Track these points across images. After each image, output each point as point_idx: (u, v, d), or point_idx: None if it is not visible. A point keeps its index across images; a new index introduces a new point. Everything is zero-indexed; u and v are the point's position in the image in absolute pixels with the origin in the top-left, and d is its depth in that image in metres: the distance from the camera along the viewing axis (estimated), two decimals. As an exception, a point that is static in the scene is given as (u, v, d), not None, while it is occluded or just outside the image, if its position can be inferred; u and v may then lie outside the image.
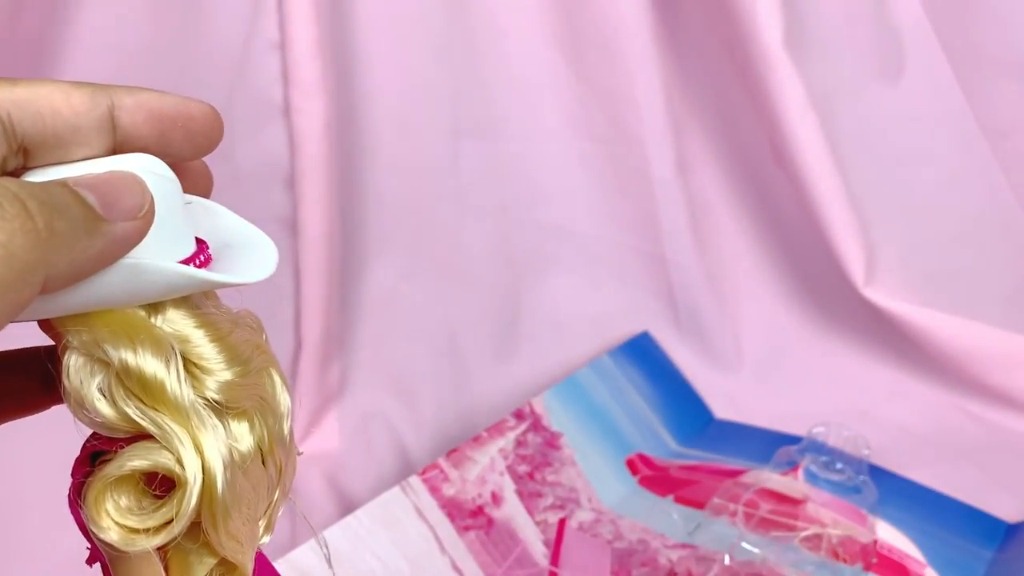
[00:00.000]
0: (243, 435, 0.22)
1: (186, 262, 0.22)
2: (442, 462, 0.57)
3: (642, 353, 0.77)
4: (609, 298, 0.79)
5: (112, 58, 0.61)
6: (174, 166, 0.23)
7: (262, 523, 0.23)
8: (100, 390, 0.21)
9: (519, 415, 0.63)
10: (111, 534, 0.21)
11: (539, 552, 0.57)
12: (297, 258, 0.69)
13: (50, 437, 0.60)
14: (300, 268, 0.69)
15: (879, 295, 0.72)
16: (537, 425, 0.64)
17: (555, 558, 0.57)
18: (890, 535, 0.60)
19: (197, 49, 0.64)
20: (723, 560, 0.57)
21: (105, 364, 0.21)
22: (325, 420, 0.69)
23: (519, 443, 0.62)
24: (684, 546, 0.59)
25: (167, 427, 0.21)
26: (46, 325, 0.22)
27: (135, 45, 0.62)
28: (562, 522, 0.60)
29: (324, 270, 0.69)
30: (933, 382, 0.75)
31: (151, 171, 0.22)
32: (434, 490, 0.55)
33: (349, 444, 0.68)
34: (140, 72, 0.62)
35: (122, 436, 0.21)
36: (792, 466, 0.64)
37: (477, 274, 0.76)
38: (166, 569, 0.22)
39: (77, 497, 0.21)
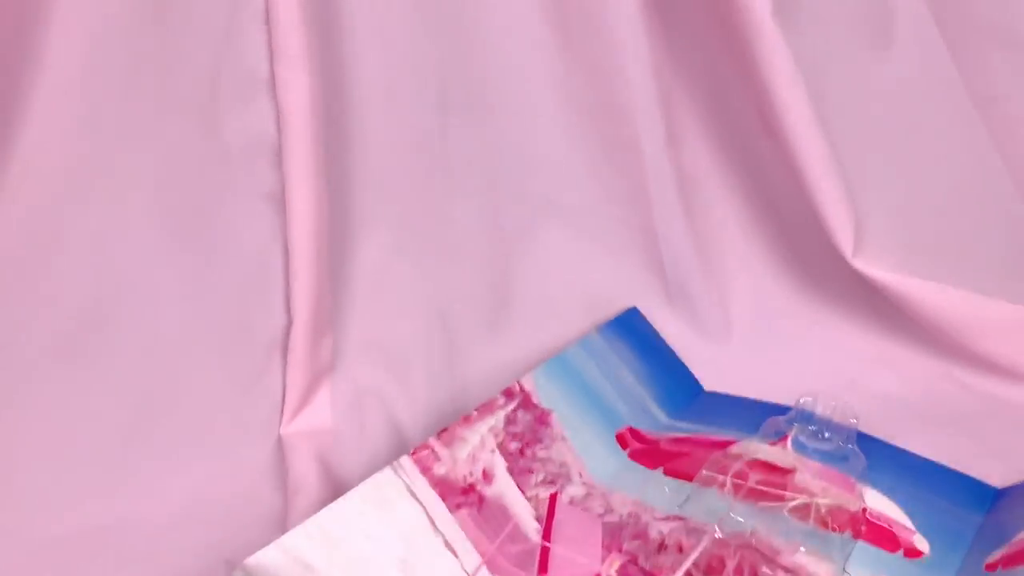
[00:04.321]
0: None
1: None
2: (433, 442, 0.57)
3: (631, 329, 0.77)
4: (599, 270, 0.79)
5: (94, 30, 0.60)
6: None
7: None
8: None
9: (508, 393, 0.64)
10: None
11: (531, 528, 0.58)
12: (286, 234, 0.68)
13: (52, 417, 0.60)
14: (289, 244, 0.69)
15: (868, 265, 0.72)
16: (527, 403, 0.64)
17: (547, 533, 0.58)
18: (879, 503, 0.60)
19: (181, 22, 0.63)
20: (713, 531, 0.57)
21: None
22: (317, 397, 0.70)
23: (509, 421, 0.62)
24: (674, 518, 0.59)
25: None
26: None
27: (117, 17, 0.61)
28: (553, 497, 0.60)
29: (313, 246, 0.69)
30: (922, 351, 0.75)
31: None
32: (425, 470, 0.56)
33: (342, 421, 0.68)
34: (123, 45, 0.61)
35: None
36: (780, 436, 0.65)
37: (467, 249, 0.76)
38: None
39: None
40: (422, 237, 0.75)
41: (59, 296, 0.61)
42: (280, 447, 0.67)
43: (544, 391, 0.66)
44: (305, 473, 0.63)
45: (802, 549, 0.56)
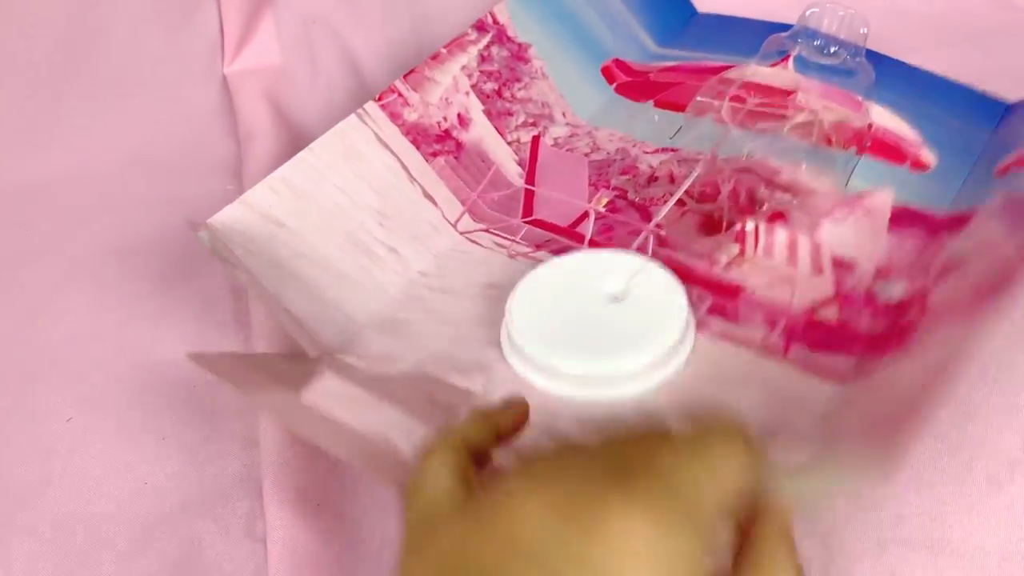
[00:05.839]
0: None
1: None
2: (399, 85, 0.52)
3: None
4: None
5: None
6: None
7: None
8: None
9: (480, 27, 0.57)
10: None
11: (513, 172, 0.55)
12: None
13: None
14: None
15: None
16: (502, 36, 0.58)
17: (530, 176, 0.55)
18: (885, 118, 0.57)
19: None
20: (707, 157, 0.54)
21: None
22: (260, 29, 0.62)
23: (483, 58, 0.57)
24: (666, 150, 0.56)
25: None
26: None
27: None
28: (536, 139, 0.57)
29: None
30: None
31: None
32: (394, 116, 0.51)
33: (290, 56, 0.61)
34: None
35: None
36: (782, 55, 0.59)
37: None
38: None
39: None
40: None
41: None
42: (225, 88, 0.61)
43: (520, 22, 0.59)
44: (256, 116, 0.58)
45: (803, 167, 0.53)
